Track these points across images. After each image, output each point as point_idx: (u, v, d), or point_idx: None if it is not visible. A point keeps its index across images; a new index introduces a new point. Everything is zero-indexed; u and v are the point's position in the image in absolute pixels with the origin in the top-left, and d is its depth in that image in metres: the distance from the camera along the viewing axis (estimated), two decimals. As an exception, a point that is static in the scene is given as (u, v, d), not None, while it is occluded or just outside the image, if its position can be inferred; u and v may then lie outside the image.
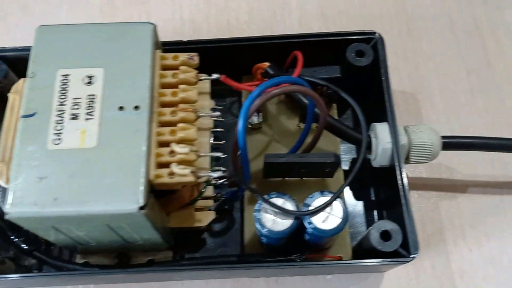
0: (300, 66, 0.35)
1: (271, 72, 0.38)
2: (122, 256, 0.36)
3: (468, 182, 0.41)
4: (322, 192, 0.32)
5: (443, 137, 0.37)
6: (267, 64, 0.38)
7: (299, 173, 0.36)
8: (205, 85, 0.33)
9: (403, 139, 0.36)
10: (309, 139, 0.37)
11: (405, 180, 0.34)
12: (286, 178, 0.38)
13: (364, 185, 0.40)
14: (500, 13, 0.47)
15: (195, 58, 0.32)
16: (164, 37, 0.35)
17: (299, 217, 0.31)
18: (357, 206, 0.40)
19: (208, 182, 0.35)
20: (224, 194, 0.37)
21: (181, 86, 0.31)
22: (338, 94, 0.40)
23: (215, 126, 0.42)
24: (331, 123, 0.36)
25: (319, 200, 0.32)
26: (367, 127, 0.36)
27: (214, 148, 0.41)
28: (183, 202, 0.35)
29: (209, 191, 0.37)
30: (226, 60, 0.40)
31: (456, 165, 0.42)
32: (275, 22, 0.48)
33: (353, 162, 0.41)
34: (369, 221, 0.39)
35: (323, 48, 0.40)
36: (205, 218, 0.36)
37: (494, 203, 0.40)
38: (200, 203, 0.36)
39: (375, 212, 0.40)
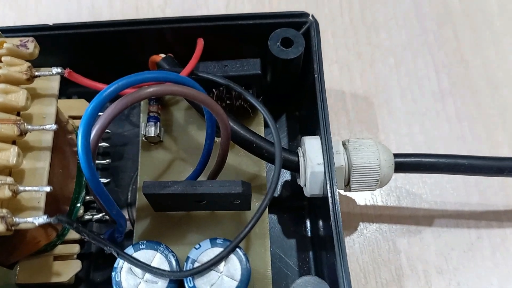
0: (195, 58, 0.26)
1: (166, 66, 0.28)
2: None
3: (435, 212, 0.31)
4: (213, 241, 0.22)
5: (397, 155, 0.27)
6: (161, 56, 0.28)
7: (201, 206, 0.26)
8: (51, 85, 0.23)
9: (340, 159, 0.26)
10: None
11: (339, 220, 0.24)
12: (191, 212, 0.28)
13: (299, 216, 0.31)
14: (478, -4, 0.38)
15: (30, 45, 0.22)
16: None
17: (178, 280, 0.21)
18: (288, 246, 0.30)
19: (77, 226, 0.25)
20: (102, 234, 0.27)
21: (0, 86, 0.21)
22: (261, 92, 0.30)
23: (103, 140, 0.32)
24: (242, 137, 0.26)
25: (207, 253, 0.22)
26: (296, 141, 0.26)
27: (100, 169, 0.32)
28: (34, 247, 0.25)
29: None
30: (116, 52, 0.31)
31: (420, 189, 0.32)
32: (196, 6, 0.38)
33: (284, 186, 0.32)
34: (303, 267, 0.29)
35: (239, 36, 0.30)
36: (67, 270, 0.26)
37: (469, 239, 0.31)
38: (61, 248, 0.26)
39: (311, 255, 0.30)
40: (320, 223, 0.29)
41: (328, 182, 0.25)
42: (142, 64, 0.30)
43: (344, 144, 0.27)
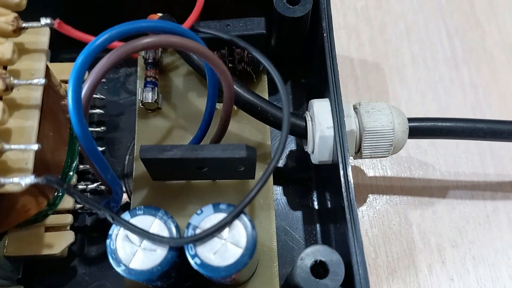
0: (196, 13, 0.24)
1: (164, 26, 0.26)
2: None
3: (449, 183, 0.30)
4: (216, 206, 0.20)
5: (411, 119, 0.25)
6: (158, 15, 0.27)
7: (203, 174, 0.25)
8: (40, 39, 0.21)
9: (351, 123, 0.24)
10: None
11: (351, 188, 0.22)
12: (191, 181, 0.27)
13: (306, 188, 0.29)
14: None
15: (15, -7, 0.20)
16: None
17: (179, 247, 0.20)
18: (293, 219, 0.28)
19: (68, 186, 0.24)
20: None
21: (-18, 37, 0.19)
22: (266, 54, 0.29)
23: (97, 107, 0.30)
24: (245, 100, 0.25)
25: (210, 219, 0.20)
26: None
27: (95, 138, 0.30)
28: (24, 216, 0.23)
29: (68, 201, 0.25)
30: (110, 11, 0.29)
31: (433, 159, 0.30)
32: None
33: (289, 156, 0.30)
34: (309, 241, 0.28)
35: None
36: (59, 241, 0.24)
37: (485, 212, 0.29)
38: (53, 219, 0.25)
39: (318, 228, 0.28)
40: (328, 195, 0.27)
41: (338, 147, 0.23)
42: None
43: (355, 108, 0.25)
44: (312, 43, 0.28)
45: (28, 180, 0.17)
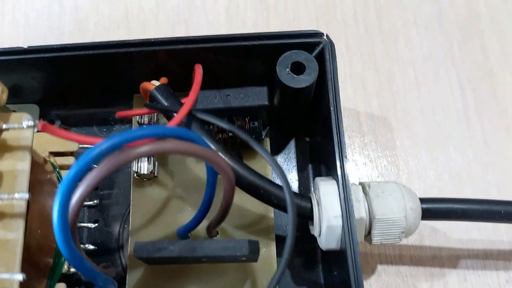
0: (194, 92, 0.22)
1: (159, 96, 0.24)
2: None
3: (460, 251, 0.28)
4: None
5: (424, 200, 0.24)
6: (154, 84, 0.25)
7: (202, 261, 0.23)
8: (24, 134, 0.19)
9: (360, 209, 0.23)
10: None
11: (360, 276, 0.21)
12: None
13: (311, 260, 0.27)
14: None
15: (-5, 90, 0.18)
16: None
17: None
18: (298, 293, 0.27)
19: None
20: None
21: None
22: (268, 122, 0.27)
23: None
24: (247, 182, 0.23)
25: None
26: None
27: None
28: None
29: (60, 288, 0.24)
30: (101, 74, 0.27)
31: (444, 225, 0.29)
32: (194, 11, 0.34)
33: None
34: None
35: (244, 59, 0.26)
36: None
37: (497, 284, 0.28)
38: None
39: (324, 305, 0.27)
40: (335, 269, 0.26)
41: (347, 238, 0.21)
42: (131, 84, 0.27)
43: (363, 188, 0.23)
44: (317, 104, 0.27)
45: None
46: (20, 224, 0.18)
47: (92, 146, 0.17)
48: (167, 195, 0.27)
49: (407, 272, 0.28)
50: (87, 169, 0.16)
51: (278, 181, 0.27)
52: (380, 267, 0.28)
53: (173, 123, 0.20)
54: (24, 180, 0.19)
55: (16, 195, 0.17)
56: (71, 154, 0.27)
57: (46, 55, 0.25)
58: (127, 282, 0.25)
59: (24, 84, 0.28)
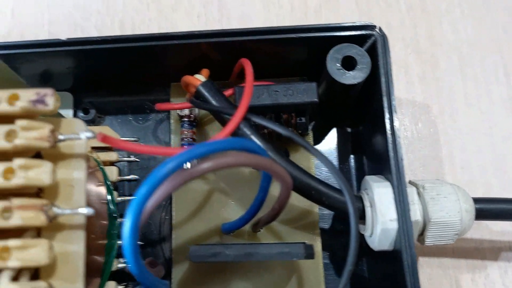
0: (248, 95, 0.21)
1: (206, 94, 0.23)
2: None
3: (501, 243, 0.28)
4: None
5: (477, 200, 0.23)
6: (199, 79, 0.24)
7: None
8: (77, 142, 0.19)
9: (415, 211, 0.22)
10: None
11: (417, 281, 0.21)
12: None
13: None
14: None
15: (49, 100, 0.17)
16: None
17: None
18: None
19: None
20: None
21: (17, 162, 0.16)
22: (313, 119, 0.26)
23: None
24: (299, 183, 0.22)
25: None
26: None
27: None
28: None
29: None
30: (138, 66, 0.26)
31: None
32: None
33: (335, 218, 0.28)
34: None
35: (288, 51, 0.25)
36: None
37: (540, 276, 0.28)
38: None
39: (368, 300, 0.27)
40: (382, 265, 0.26)
41: (403, 240, 0.21)
42: (167, 72, 0.26)
43: (418, 190, 0.23)
44: (366, 96, 0.26)
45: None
46: (80, 236, 0.18)
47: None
48: (209, 189, 0.27)
49: (449, 264, 0.28)
50: (156, 188, 0.16)
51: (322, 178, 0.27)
52: (421, 260, 0.28)
53: (230, 129, 0.20)
54: (81, 190, 0.18)
55: (80, 210, 0.17)
56: (112, 149, 0.26)
57: (86, 47, 0.24)
58: (172, 277, 0.25)
59: (57, 72, 0.27)
